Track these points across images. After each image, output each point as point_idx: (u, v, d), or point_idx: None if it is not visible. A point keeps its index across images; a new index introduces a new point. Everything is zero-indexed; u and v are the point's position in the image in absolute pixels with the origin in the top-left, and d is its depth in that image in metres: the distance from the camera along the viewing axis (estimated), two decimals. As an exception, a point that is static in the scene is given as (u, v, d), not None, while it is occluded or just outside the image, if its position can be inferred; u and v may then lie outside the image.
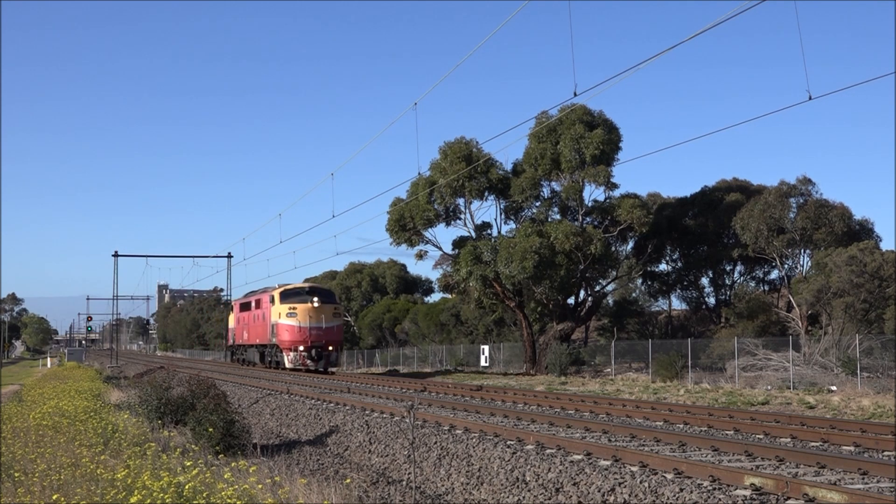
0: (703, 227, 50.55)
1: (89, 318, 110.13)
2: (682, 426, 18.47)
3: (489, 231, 49.02)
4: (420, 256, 50.29)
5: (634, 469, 12.55)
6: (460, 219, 48.43)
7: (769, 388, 32.78)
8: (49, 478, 10.74)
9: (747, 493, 10.78)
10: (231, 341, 65.51)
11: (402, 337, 72.07)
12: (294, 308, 47.58)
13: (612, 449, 13.86)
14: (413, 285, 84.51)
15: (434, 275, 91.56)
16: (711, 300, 55.79)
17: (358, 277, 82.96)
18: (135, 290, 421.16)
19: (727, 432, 17.24)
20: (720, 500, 10.63)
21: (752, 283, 53.92)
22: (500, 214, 49.27)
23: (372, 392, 29.07)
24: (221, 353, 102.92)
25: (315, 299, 47.72)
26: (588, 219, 47.42)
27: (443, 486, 14.93)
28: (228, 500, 9.01)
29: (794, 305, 41.93)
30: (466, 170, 44.59)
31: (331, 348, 48.00)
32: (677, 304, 60.13)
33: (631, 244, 52.28)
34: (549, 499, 12.66)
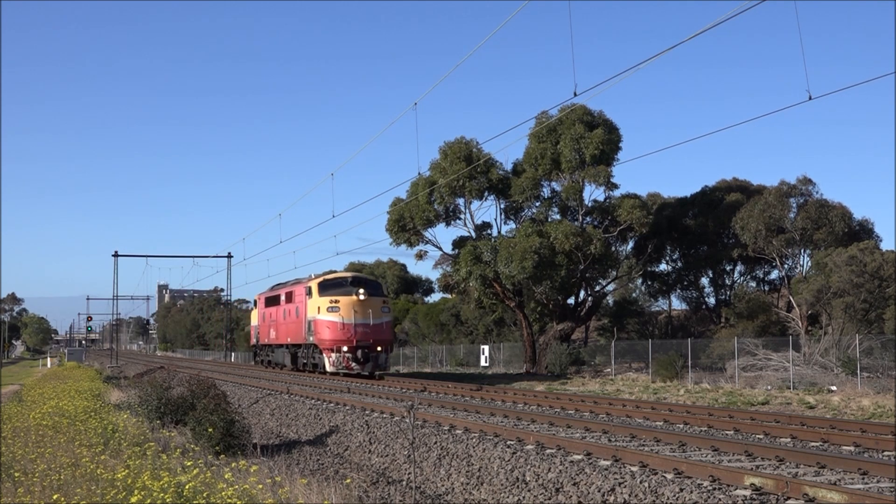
0: (703, 227, 50.55)
1: (89, 318, 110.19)
2: (682, 426, 18.47)
3: (489, 231, 49.02)
4: (420, 256, 50.27)
5: (634, 469, 12.55)
6: (460, 219, 48.43)
7: (769, 388, 32.78)
8: (49, 478, 10.74)
9: (747, 493, 10.78)
10: (255, 341, 57.47)
11: (403, 337, 72.11)
12: (336, 301, 40.36)
13: (612, 449, 13.86)
14: (413, 285, 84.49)
15: (434, 275, 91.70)
16: (711, 300, 55.81)
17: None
18: (135, 290, 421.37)
19: (727, 432, 17.24)
20: (720, 500, 10.63)
21: (752, 283, 53.95)
22: (500, 214, 49.30)
23: (372, 392, 29.08)
24: (221, 353, 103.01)
25: (360, 291, 40.43)
26: (588, 219, 47.41)
27: (443, 486, 14.94)
28: (228, 500, 9.02)
29: (794, 305, 41.93)
30: (466, 170, 44.58)
31: (379, 349, 40.52)
32: (677, 304, 60.19)
33: (631, 244, 52.28)
34: (549, 499, 12.66)
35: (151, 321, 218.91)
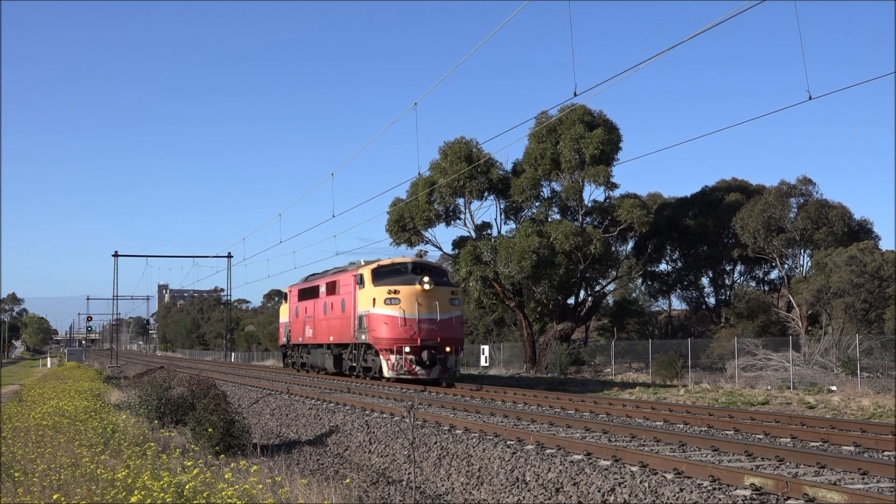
0: (703, 227, 50.56)
1: (89, 318, 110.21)
2: (682, 426, 18.47)
3: (489, 231, 49.03)
4: (420, 257, 50.25)
5: (634, 469, 12.55)
6: (460, 219, 48.43)
7: (769, 388, 32.79)
8: (49, 478, 10.75)
9: (747, 493, 10.78)
10: (285, 340, 49.66)
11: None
12: (395, 292, 33.81)
13: (612, 449, 13.86)
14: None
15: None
16: (711, 300, 55.81)
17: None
18: (135, 290, 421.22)
19: (727, 432, 17.24)
20: (720, 500, 10.63)
21: (752, 283, 53.96)
22: (500, 214, 49.30)
23: (372, 392, 29.09)
24: (221, 353, 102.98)
25: (425, 279, 33.76)
26: (588, 219, 47.41)
27: (443, 486, 14.94)
28: (228, 500, 9.02)
29: (794, 305, 41.93)
30: (467, 170, 44.59)
31: (448, 349, 33.85)
32: (677, 304, 60.21)
33: (631, 244, 52.28)
34: (549, 499, 12.66)
35: (151, 321, 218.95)
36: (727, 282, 54.90)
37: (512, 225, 49.22)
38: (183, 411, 20.42)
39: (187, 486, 9.50)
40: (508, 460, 14.39)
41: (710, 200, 51.57)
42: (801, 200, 44.44)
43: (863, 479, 11.69)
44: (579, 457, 13.85)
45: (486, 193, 47.70)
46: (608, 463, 13.19)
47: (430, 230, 48.37)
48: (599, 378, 42.52)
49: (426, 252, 50.50)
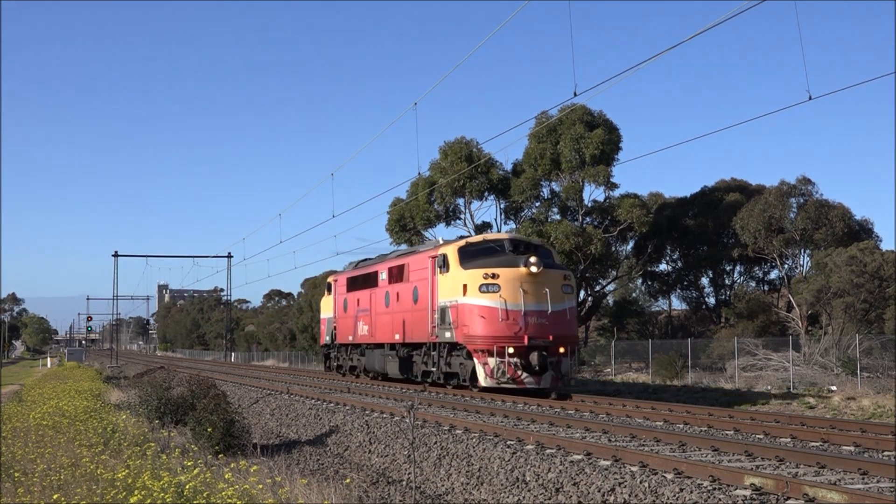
0: (703, 227, 50.58)
1: (89, 318, 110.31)
2: (682, 426, 18.47)
3: (489, 231, 49.04)
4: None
5: (634, 469, 12.55)
6: (460, 219, 48.47)
7: (769, 388, 32.79)
8: (49, 478, 10.75)
9: (747, 493, 10.78)
10: (327, 339, 41.32)
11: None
12: (494, 276, 26.49)
13: (612, 449, 13.87)
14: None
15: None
16: (711, 300, 55.82)
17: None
18: (135, 290, 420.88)
19: (727, 432, 17.24)
20: (720, 500, 10.63)
21: (752, 283, 53.97)
22: (500, 214, 49.31)
23: (372, 392, 29.08)
24: (221, 353, 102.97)
25: (532, 260, 26.51)
26: (588, 219, 47.43)
27: (443, 486, 14.94)
28: (229, 500, 9.03)
29: (794, 305, 41.94)
30: (467, 170, 44.62)
31: (562, 350, 26.57)
32: (677, 304, 60.21)
33: (631, 244, 52.31)
34: (549, 499, 12.66)
35: (151, 321, 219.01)
36: (727, 282, 54.92)
37: (512, 225, 49.26)
38: (183, 411, 20.43)
39: (187, 486, 9.50)
40: (508, 460, 14.39)
41: (710, 200, 51.58)
42: (801, 200, 44.45)
43: (863, 479, 11.69)
44: (579, 457, 13.85)
45: (486, 193, 47.74)
46: (608, 463, 13.20)
47: (430, 230, 48.43)
48: (599, 378, 42.51)
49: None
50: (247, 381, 39.54)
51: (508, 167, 48.64)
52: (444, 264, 28.21)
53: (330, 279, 41.95)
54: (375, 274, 34.70)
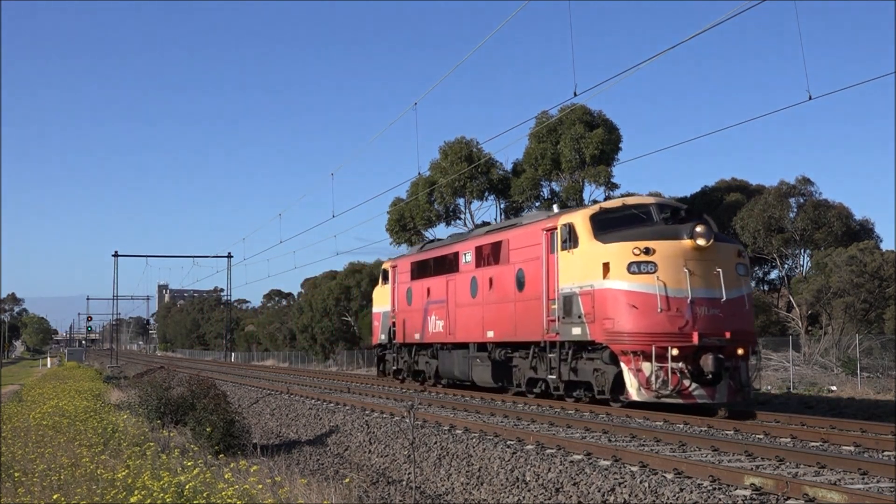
0: (703, 226, 50.51)
1: (89, 318, 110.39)
2: (682, 426, 18.46)
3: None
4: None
5: (634, 469, 12.55)
6: (460, 219, 48.47)
7: (769, 388, 32.79)
8: (49, 478, 10.75)
9: (747, 493, 10.78)
10: (384, 337, 34.16)
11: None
12: (647, 251, 19.77)
13: (612, 449, 13.87)
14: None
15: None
16: (711, 300, 55.71)
17: (357, 277, 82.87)
18: (135, 290, 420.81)
19: (727, 432, 17.23)
20: (720, 500, 10.63)
21: (752, 283, 53.94)
22: (501, 214, 49.28)
23: (372, 392, 29.08)
24: (221, 353, 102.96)
25: (699, 230, 19.87)
26: (588, 219, 47.38)
27: (443, 486, 14.94)
28: (228, 500, 9.03)
29: (794, 305, 41.94)
30: (467, 170, 44.63)
31: (741, 352, 20.12)
32: (677, 304, 60.06)
33: (631, 244, 52.21)
34: (549, 499, 12.66)
35: (151, 321, 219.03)
36: (727, 282, 54.83)
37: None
38: (183, 411, 20.43)
39: (187, 486, 9.50)
40: (508, 460, 14.39)
41: (710, 200, 51.50)
42: (801, 200, 44.44)
43: (863, 479, 11.69)
44: (579, 457, 13.85)
45: (486, 193, 47.77)
46: (608, 463, 13.20)
47: (430, 230, 48.44)
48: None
49: None
50: (247, 381, 39.54)
51: (508, 167, 48.67)
52: (569, 237, 21.50)
53: (386, 265, 34.90)
54: (455, 256, 28.21)
